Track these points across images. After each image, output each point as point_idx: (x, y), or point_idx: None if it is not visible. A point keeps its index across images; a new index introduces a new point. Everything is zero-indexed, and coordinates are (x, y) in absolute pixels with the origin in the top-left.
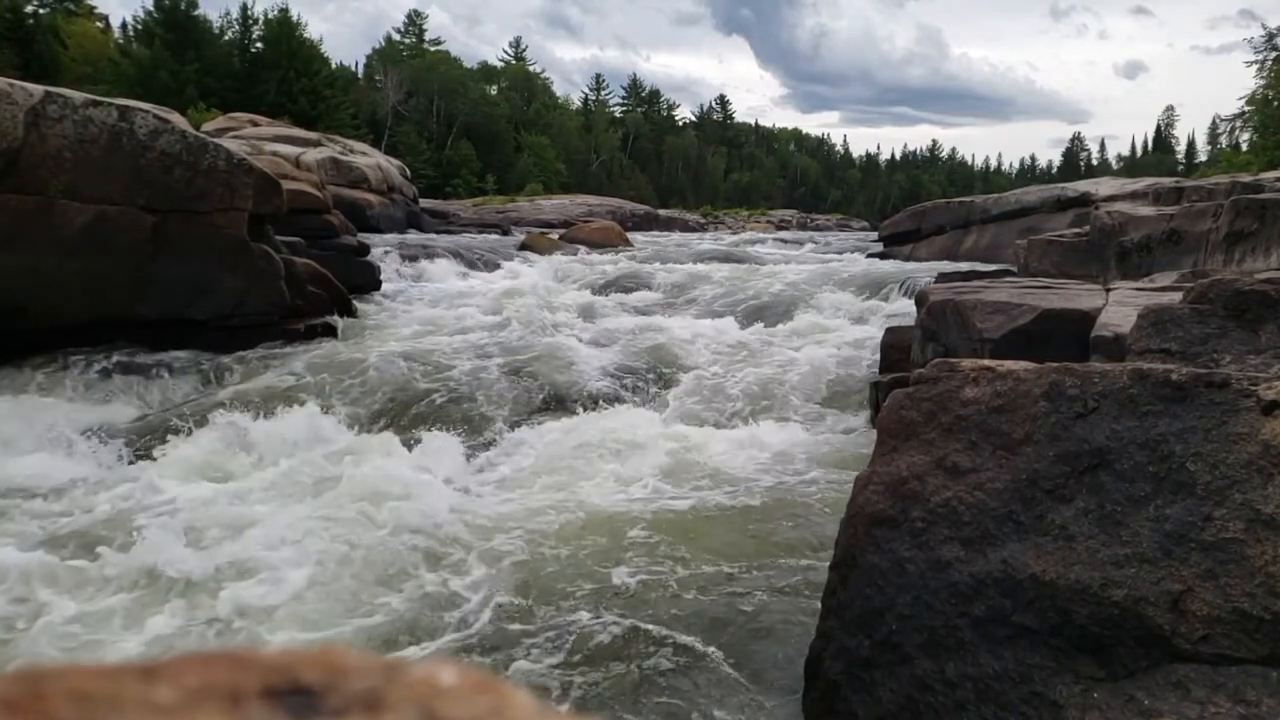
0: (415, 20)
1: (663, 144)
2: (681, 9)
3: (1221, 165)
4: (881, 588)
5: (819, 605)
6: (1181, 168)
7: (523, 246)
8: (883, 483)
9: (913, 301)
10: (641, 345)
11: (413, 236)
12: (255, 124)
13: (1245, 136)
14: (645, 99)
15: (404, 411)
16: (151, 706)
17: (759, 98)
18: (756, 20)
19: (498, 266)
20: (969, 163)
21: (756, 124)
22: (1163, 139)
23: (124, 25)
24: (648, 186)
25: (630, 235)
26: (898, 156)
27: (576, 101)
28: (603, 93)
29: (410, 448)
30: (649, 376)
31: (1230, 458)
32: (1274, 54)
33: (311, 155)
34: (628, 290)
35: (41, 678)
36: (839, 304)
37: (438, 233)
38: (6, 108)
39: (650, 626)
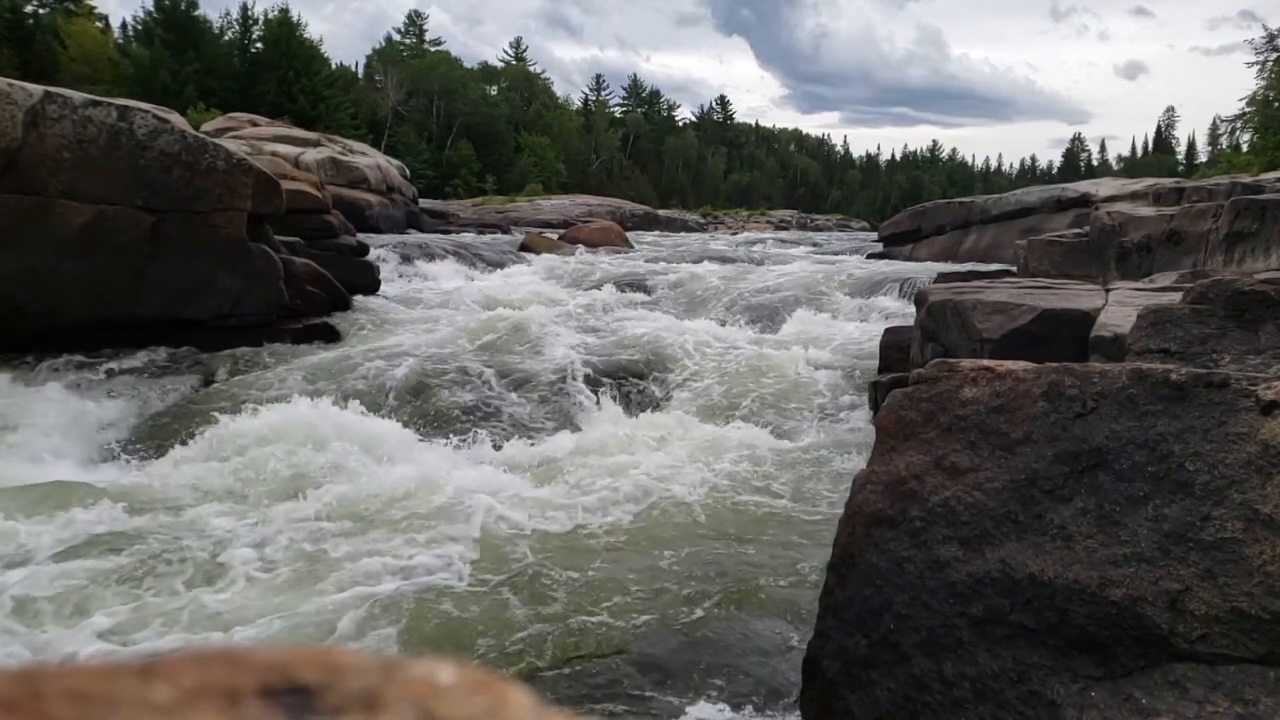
0: (415, 20)
1: (663, 144)
2: (681, 9)
3: (1222, 166)
4: (879, 587)
5: (816, 605)
6: (1182, 168)
7: (522, 247)
8: (881, 482)
9: (912, 302)
10: (639, 346)
11: (412, 237)
12: (255, 124)
13: (1246, 137)
14: (645, 99)
15: (402, 412)
16: (148, 706)
17: (759, 98)
18: (756, 20)
19: (497, 267)
20: (969, 163)
21: (757, 124)
22: (1163, 140)
23: (124, 25)
24: (648, 187)
25: (630, 235)
26: (898, 157)
27: (576, 102)
28: (603, 93)
29: (407, 449)
30: (646, 377)
31: (1229, 458)
32: (1275, 55)
33: (311, 155)
34: (626, 291)
35: (39, 677)
36: (838, 304)
37: (437, 233)
38: (6, 107)
39: (648, 626)
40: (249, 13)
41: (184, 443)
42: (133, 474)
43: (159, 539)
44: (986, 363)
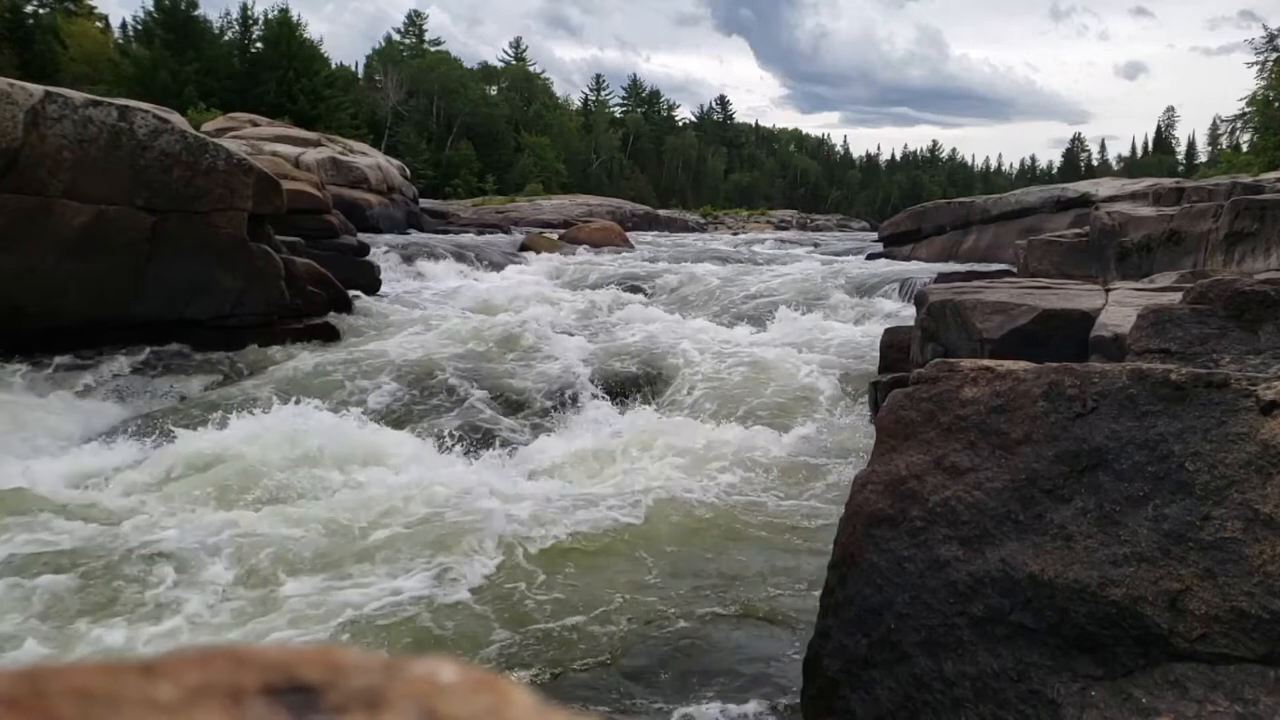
0: (415, 20)
1: (663, 144)
2: (681, 9)
3: (1222, 166)
4: (880, 587)
5: (817, 604)
6: (1182, 168)
7: (523, 247)
8: (881, 482)
9: (911, 302)
10: (638, 348)
11: (412, 236)
12: (255, 124)
13: (1246, 137)
14: (645, 99)
15: (403, 412)
16: (152, 704)
17: (759, 98)
18: (756, 20)
19: (498, 267)
20: (969, 163)
21: (757, 124)
22: (1163, 140)
23: (124, 25)
24: (648, 187)
25: (630, 235)
26: (898, 157)
27: (576, 102)
28: (603, 93)
29: (409, 449)
30: (645, 380)
31: (1229, 457)
32: (1275, 55)
33: (311, 155)
34: (627, 290)
35: (42, 675)
36: (838, 304)
37: (437, 233)
38: (6, 107)
39: (648, 625)
40: (249, 13)
41: (162, 449)
42: (102, 483)
43: (111, 559)
44: (986, 363)
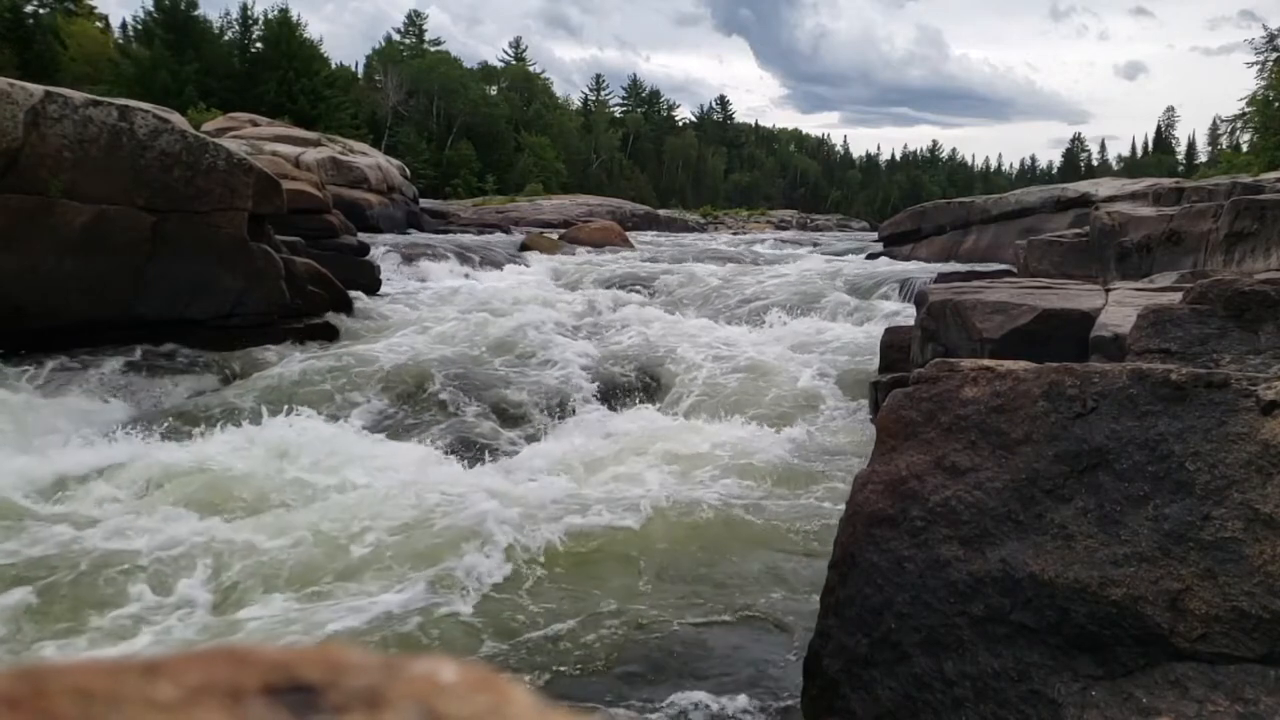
0: (415, 20)
1: (663, 144)
2: (681, 9)
3: (1222, 166)
4: (880, 586)
5: (816, 605)
6: (1182, 168)
7: (523, 247)
8: (881, 482)
9: (911, 302)
10: (638, 348)
11: (413, 236)
12: (255, 124)
13: (1246, 137)
14: (645, 99)
15: (403, 413)
16: (152, 704)
17: (759, 98)
18: (756, 20)
19: (498, 267)
20: (969, 163)
21: (756, 124)
22: (1163, 140)
23: (124, 25)
24: (648, 187)
25: (630, 235)
26: (898, 157)
27: (576, 101)
28: (603, 93)
29: (402, 454)
30: (647, 378)
31: (1229, 457)
32: (1274, 55)
33: (311, 155)
34: (627, 290)
35: (43, 675)
36: (838, 304)
37: (438, 233)
38: (6, 107)
39: (648, 625)
40: (249, 13)
41: (142, 456)
42: (75, 491)
43: (79, 572)
44: (987, 362)
